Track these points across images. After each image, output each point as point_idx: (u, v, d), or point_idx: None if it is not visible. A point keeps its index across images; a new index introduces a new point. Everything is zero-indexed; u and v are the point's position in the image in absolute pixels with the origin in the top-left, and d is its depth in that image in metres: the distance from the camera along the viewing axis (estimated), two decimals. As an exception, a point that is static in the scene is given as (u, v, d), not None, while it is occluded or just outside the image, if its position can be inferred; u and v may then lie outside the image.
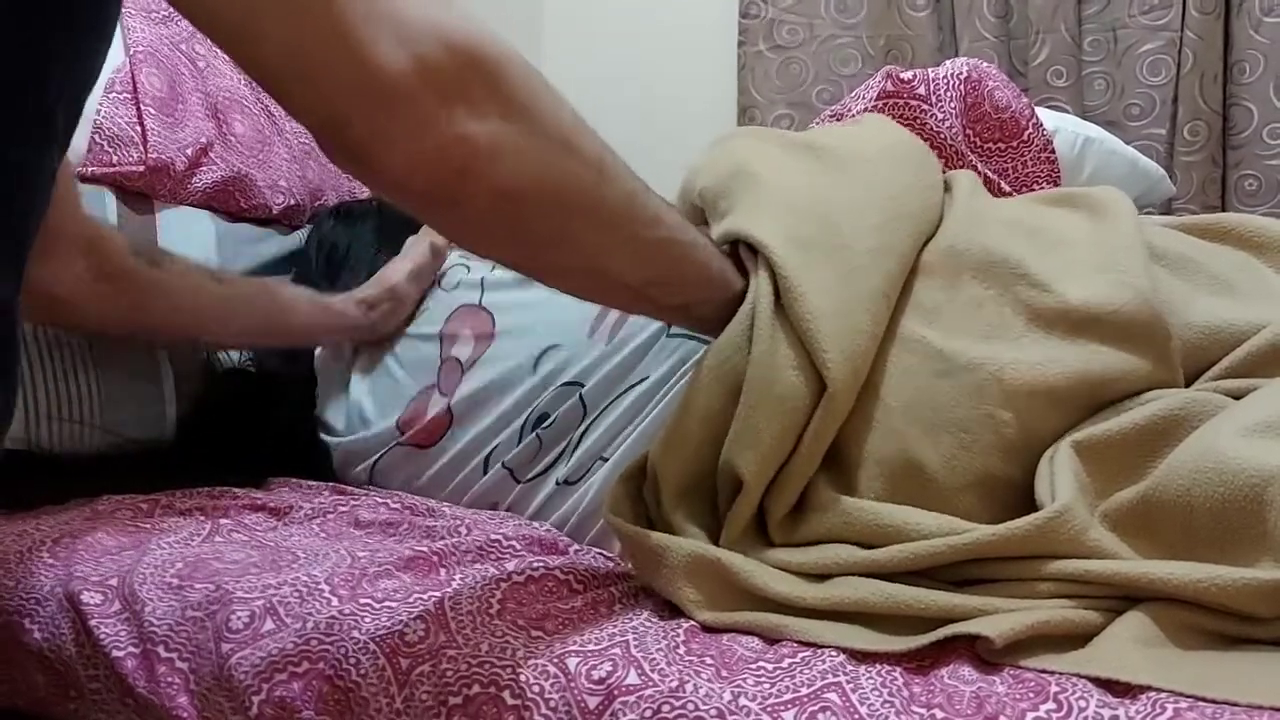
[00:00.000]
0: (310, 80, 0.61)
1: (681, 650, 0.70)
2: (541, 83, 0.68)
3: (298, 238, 1.44)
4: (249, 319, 1.10)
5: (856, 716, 0.62)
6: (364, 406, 1.16)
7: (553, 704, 0.68)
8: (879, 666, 0.66)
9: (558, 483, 1.00)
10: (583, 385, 1.01)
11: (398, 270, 1.19)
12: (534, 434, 1.02)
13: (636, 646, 0.70)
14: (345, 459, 1.17)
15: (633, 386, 0.98)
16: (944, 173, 1.01)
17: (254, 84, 1.46)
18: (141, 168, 1.30)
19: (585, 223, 0.72)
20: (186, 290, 1.04)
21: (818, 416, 0.77)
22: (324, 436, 1.19)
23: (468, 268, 1.19)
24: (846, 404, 0.79)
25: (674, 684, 0.66)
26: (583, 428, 1.00)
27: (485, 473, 1.05)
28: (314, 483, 1.12)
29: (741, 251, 0.83)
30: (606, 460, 0.97)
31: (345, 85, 0.61)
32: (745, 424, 0.78)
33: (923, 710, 0.62)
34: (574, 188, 0.70)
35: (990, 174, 1.18)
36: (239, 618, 0.78)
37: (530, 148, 0.66)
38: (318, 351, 1.24)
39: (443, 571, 0.82)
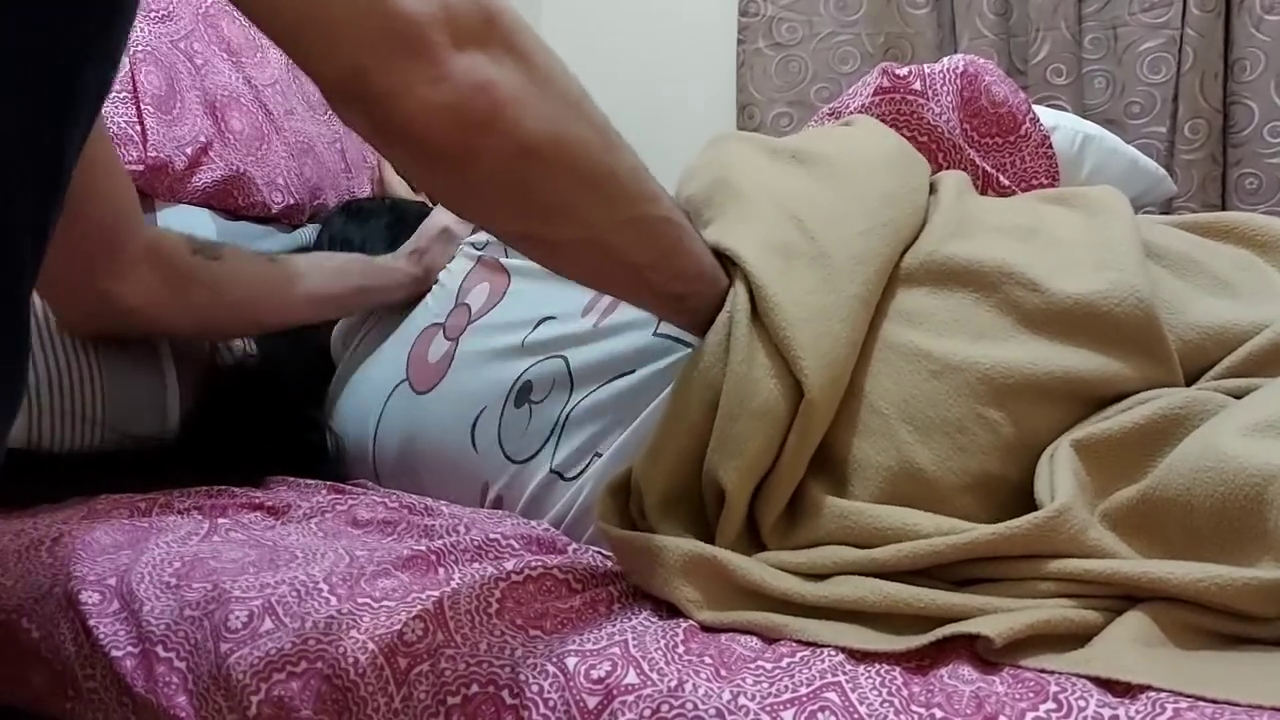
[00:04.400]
0: (331, 28, 0.61)
1: (680, 650, 0.70)
2: (552, 51, 0.68)
3: (301, 236, 1.45)
4: (308, 294, 1.13)
5: (856, 716, 0.62)
6: (372, 346, 1.20)
7: (551, 703, 0.68)
8: (878, 666, 0.66)
9: (551, 471, 1.00)
10: (568, 360, 1.01)
11: (440, 218, 1.23)
12: (525, 405, 1.02)
13: (635, 646, 0.70)
14: (352, 404, 1.19)
15: (620, 376, 0.98)
16: (939, 169, 1.01)
17: (251, 81, 1.48)
18: (141, 166, 1.30)
19: (593, 191, 0.71)
20: (248, 276, 1.08)
21: (797, 424, 0.78)
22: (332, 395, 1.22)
23: None
24: (826, 411, 0.79)
25: (673, 683, 0.66)
26: (570, 405, 1.00)
27: (474, 443, 1.05)
28: (312, 481, 1.11)
29: (723, 262, 0.84)
30: (601, 456, 0.97)
31: (367, 32, 0.60)
32: (725, 434, 0.78)
33: (922, 710, 0.62)
34: (585, 152, 0.69)
35: (989, 168, 1.18)
36: (237, 617, 0.78)
37: (546, 105, 0.66)
38: (335, 332, 1.26)
39: (441, 571, 0.82)
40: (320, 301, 1.15)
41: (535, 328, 1.06)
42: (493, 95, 0.63)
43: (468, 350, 1.09)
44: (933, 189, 0.97)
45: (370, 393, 1.18)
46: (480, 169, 0.67)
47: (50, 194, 0.66)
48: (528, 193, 0.69)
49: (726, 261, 0.83)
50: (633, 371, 0.98)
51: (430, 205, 1.38)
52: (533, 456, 1.01)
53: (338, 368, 1.26)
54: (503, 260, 1.15)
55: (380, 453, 1.15)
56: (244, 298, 1.08)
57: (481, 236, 1.21)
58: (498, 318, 1.10)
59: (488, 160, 0.66)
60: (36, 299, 1.08)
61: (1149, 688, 0.60)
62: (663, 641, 0.70)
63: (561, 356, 1.02)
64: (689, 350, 0.87)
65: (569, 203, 0.71)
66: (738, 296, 0.80)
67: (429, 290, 1.21)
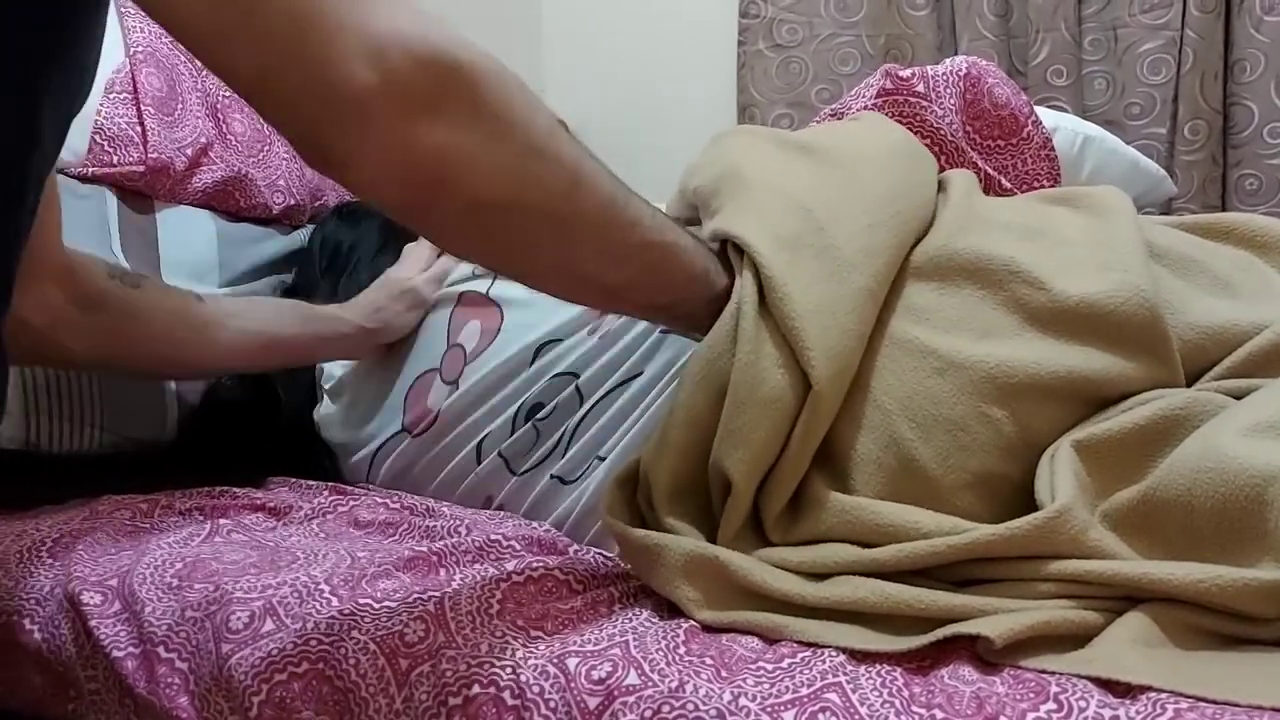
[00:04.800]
0: (281, 100, 0.63)
1: (681, 650, 0.70)
2: (516, 89, 0.68)
3: (299, 237, 1.44)
4: (237, 337, 1.04)
5: (856, 717, 0.62)
6: (363, 397, 1.17)
7: (552, 704, 0.68)
8: (879, 666, 0.66)
9: (552, 477, 1.00)
10: (577, 376, 1.01)
11: (405, 274, 1.17)
12: (530, 424, 1.02)
13: (636, 647, 0.70)
14: (346, 451, 1.17)
15: (627, 381, 0.98)
16: (942, 171, 1.01)
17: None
18: (141, 168, 1.30)
19: (557, 231, 0.72)
20: (168, 311, 1.00)
21: (804, 415, 0.78)
22: (325, 435, 1.20)
23: None
24: (833, 402, 0.79)
25: (674, 684, 0.66)
26: (578, 418, 1.00)
27: (479, 462, 1.05)
28: (313, 483, 1.11)
29: (729, 251, 0.83)
30: (603, 460, 0.97)
31: (315, 104, 0.62)
32: (732, 424, 0.78)
33: (923, 710, 0.62)
34: (545, 196, 0.70)
35: (991, 171, 1.18)
36: (238, 618, 0.78)
37: (500, 158, 0.66)
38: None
39: (442, 572, 0.82)
40: (250, 345, 1.05)
41: (538, 353, 1.05)
42: (441, 160, 0.64)
43: (470, 389, 1.08)
44: (941, 187, 0.97)
45: (364, 444, 1.16)
46: (437, 221, 0.69)
47: (31, 203, 0.66)
48: (489, 237, 0.71)
49: (733, 250, 0.83)
50: (640, 374, 0.98)
51: None
52: (537, 466, 1.01)
53: (323, 399, 1.23)
54: (491, 295, 1.13)
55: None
56: (160, 330, 0.99)
57: (456, 274, 1.18)
58: (497, 355, 1.08)
59: (441, 215, 0.68)
60: None
61: (1149, 688, 0.60)
62: (664, 642, 0.71)
63: (570, 374, 1.02)
64: (694, 345, 0.87)
65: (533, 242, 0.72)
66: (745, 286, 0.80)
67: (382, 345, 1.15)
